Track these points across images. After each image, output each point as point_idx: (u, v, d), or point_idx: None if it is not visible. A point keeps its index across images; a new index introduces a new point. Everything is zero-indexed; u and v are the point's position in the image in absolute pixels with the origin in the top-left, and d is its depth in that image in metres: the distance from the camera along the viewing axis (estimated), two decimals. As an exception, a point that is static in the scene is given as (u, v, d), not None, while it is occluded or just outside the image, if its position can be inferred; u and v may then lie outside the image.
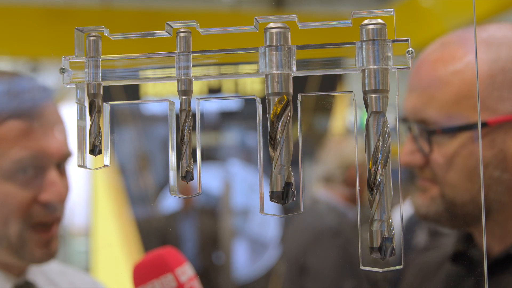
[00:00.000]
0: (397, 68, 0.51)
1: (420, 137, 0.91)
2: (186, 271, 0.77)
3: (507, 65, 0.87)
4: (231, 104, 4.50)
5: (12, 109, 0.89)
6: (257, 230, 4.24)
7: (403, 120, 0.94)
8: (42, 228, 0.88)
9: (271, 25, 0.52)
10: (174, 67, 0.54)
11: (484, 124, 0.86)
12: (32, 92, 0.96)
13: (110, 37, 0.55)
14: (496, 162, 0.87)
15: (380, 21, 0.50)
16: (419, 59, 0.95)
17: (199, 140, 0.55)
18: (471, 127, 0.87)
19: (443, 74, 0.90)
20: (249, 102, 0.53)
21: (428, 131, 0.90)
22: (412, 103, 0.92)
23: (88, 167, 0.56)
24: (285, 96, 0.51)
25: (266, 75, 0.52)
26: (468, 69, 0.89)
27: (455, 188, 0.88)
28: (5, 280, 0.89)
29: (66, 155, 0.90)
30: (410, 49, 0.50)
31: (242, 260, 4.19)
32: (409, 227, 1.97)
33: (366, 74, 0.50)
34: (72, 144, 0.90)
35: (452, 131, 0.88)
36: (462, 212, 0.89)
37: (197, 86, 0.57)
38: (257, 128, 0.52)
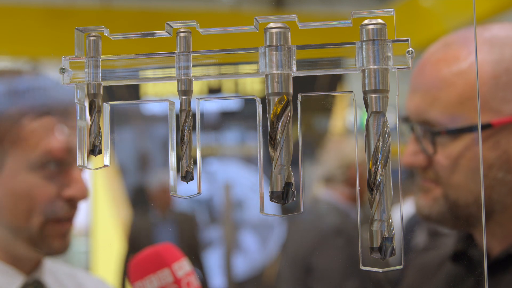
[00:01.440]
0: (397, 68, 0.51)
1: (423, 138, 0.91)
2: (183, 266, 0.77)
3: (511, 66, 0.87)
4: (231, 104, 4.50)
5: (49, 107, 0.93)
6: (258, 215, 4.21)
7: (405, 120, 0.94)
8: (61, 221, 0.91)
9: (271, 25, 0.52)
10: (174, 67, 0.54)
11: (488, 125, 0.86)
12: (65, 94, 1.00)
13: (110, 37, 0.55)
14: (500, 163, 0.87)
15: (380, 21, 0.50)
16: (421, 59, 0.94)
17: (199, 140, 0.55)
18: (475, 128, 0.87)
19: (447, 74, 0.90)
20: (249, 102, 0.53)
21: (432, 132, 0.89)
22: (415, 104, 0.91)
23: (88, 167, 0.56)
24: (285, 96, 0.51)
25: (266, 75, 0.52)
26: (472, 70, 0.88)
27: (459, 189, 0.88)
28: (15, 278, 0.91)
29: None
30: (410, 49, 0.50)
31: (253, 248, 4.15)
32: (409, 228, 1.97)
33: (366, 74, 0.50)
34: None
35: (457, 132, 0.88)
36: (465, 213, 0.89)
37: (197, 86, 0.57)
38: (257, 128, 0.52)
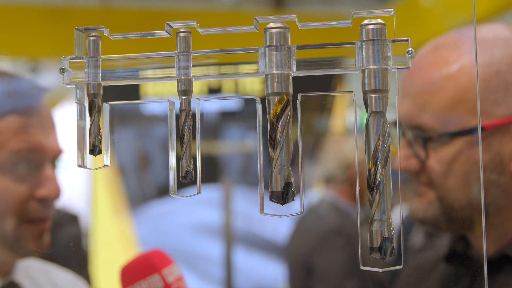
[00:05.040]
0: (397, 68, 0.51)
1: (415, 143, 0.90)
2: (173, 272, 0.77)
3: (501, 68, 0.86)
4: (231, 104, 4.50)
5: (11, 106, 0.91)
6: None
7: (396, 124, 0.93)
8: (35, 222, 0.90)
9: (271, 25, 0.52)
10: (174, 67, 0.54)
11: (480, 129, 0.86)
12: (29, 91, 0.98)
13: (110, 37, 0.55)
14: (493, 165, 0.86)
15: (380, 21, 0.50)
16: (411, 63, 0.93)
17: (199, 140, 0.55)
18: (467, 132, 0.87)
19: (437, 78, 0.89)
20: (249, 102, 0.54)
21: (424, 138, 0.89)
22: (406, 109, 0.91)
23: (88, 167, 0.56)
24: (285, 96, 0.51)
25: (266, 75, 0.52)
26: (462, 73, 0.88)
27: (453, 193, 0.88)
28: None
29: (59, 152, 0.92)
30: (410, 49, 0.50)
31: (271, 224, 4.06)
32: (407, 227, 1.97)
33: (366, 74, 0.50)
34: (63, 142, 0.92)
35: (449, 137, 0.88)
36: (459, 216, 0.89)
37: (197, 86, 0.57)
38: (257, 128, 0.52)
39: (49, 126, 0.92)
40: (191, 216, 3.88)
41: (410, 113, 0.90)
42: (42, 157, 0.90)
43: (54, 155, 0.91)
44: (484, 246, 0.58)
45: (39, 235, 0.90)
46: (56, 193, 0.90)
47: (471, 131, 0.86)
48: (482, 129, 0.86)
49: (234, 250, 3.37)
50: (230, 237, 3.37)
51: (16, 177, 0.88)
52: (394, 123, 0.93)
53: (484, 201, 0.87)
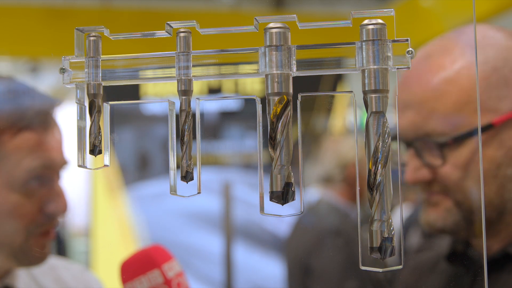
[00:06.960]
0: (397, 68, 0.51)
1: (424, 152, 0.90)
2: (174, 267, 0.77)
3: (497, 64, 0.87)
4: (231, 104, 4.50)
5: (25, 120, 0.90)
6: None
7: (401, 139, 0.92)
8: (41, 234, 0.90)
9: (271, 25, 0.52)
10: (174, 67, 0.54)
11: (490, 126, 0.86)
12: (42, 105, 0.97)
13: (110, 37, 0.55)
14: (508, 160, 0.87)
15: (380, 21, 0.50)
16: (403, 76, 0.93)
17: (199, 140, 0.55)
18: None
19: (438, 85, 0.89)
20: (249, 102, 0.54)
21: (439, 144, 0.88)
22: (410, 120, 0.90)
23: (88, 167, 0.56)
24: (285, 96, 0.51)
25: (266, 75, 0.52)
26: (461, 76, 0.88)
27: (471, 195, 0.87)
28: None
29: (65, 164, 0.92)
30: (410, 49, 0.50)
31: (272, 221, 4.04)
32: (404, 228, 1.97)
33: (366, 74, 0.50)
34: (68, 152, 0.91)
35: (463, 138, 0.87)
36: (480, 218, 0.88)
37: (197, 86, 0.57)
38: (257, 128, 0.52)
39: (59, 139, 0.92)
40: (187, 201, 3.84)
41: (415, 123, 0.90)
42: (52, 172, 0.90)
43: (61, 167, 0.91)
44: (484, 246, 0.58)
45: (43, 246, 0.90)
46: (64, 209, 0.90)
47: (482, 130, 0.87)
48: (492, 126, 0.86)
49: (234, 244, 3.35)
50: (230, 233, 3.35)
51: (27, 193, 0.87)
52: (394, 138, 0.93)
53: (503, 197, 0.87)
